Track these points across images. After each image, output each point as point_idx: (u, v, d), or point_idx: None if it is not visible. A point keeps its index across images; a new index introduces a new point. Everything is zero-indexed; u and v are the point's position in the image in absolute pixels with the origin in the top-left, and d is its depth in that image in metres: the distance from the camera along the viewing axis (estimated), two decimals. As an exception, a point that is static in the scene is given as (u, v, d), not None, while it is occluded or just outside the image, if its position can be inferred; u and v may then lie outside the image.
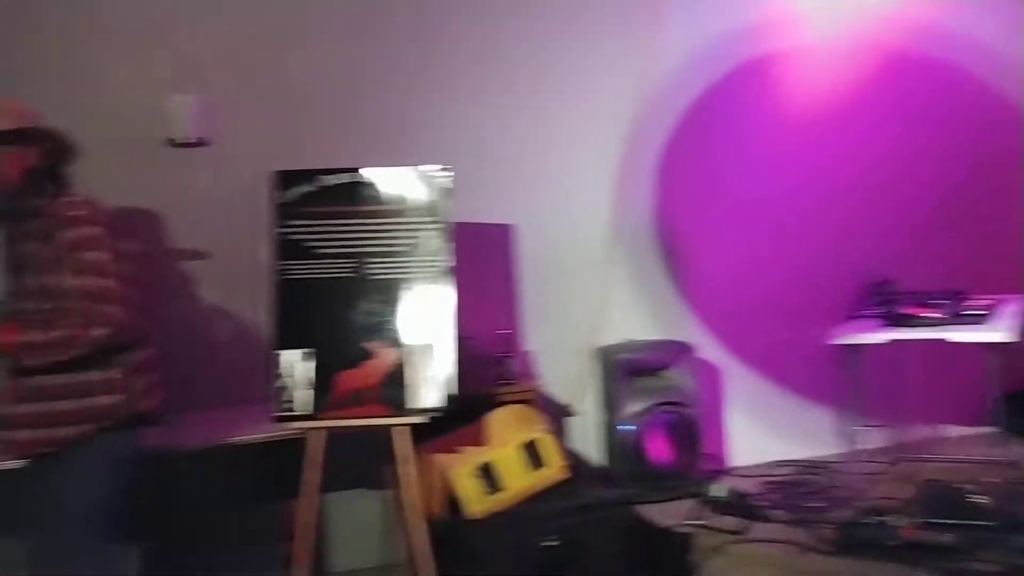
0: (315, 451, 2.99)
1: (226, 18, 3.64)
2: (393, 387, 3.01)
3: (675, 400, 3.86)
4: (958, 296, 3.75)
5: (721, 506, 3.59)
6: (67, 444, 2.42)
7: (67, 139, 2.59)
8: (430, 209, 3.11)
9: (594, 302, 4.07)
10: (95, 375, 2.46)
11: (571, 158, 4.03)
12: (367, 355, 3.03)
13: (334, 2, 3.76)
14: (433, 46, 3.84)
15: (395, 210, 3.12)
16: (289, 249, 3.08)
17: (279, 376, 3.00)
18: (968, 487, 3.40)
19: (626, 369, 3.88)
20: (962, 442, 4.30)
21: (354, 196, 3.11)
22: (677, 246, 4.20)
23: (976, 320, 3.56)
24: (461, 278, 3.07)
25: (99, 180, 2.70)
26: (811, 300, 4.19)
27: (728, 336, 4.27)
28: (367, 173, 3.12)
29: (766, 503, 3.66)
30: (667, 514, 3.52)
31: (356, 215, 3.10)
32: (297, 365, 3.01)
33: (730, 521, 3.47)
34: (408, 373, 3.01)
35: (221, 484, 3.51)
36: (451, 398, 3.00)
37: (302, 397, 2.99)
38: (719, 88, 4.22)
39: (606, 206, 4.08)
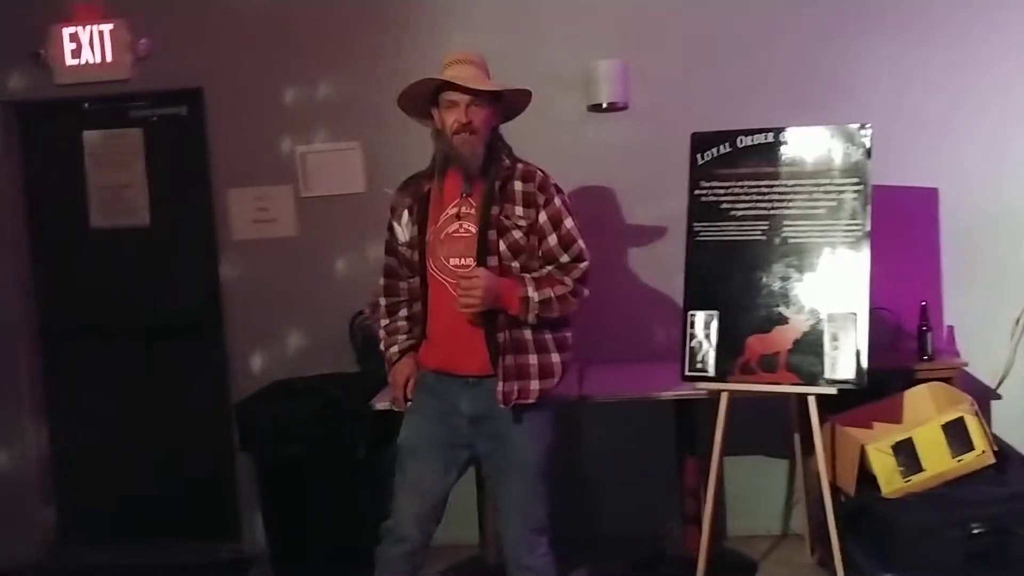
0: (725, 412, 3.01)
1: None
2: (804, 355, 2.92)
3: None
4: None
5: None
6: (537, 396, 2.55)
7: (522, 101, 2.70)
8: (850, 170, 2.98)
9: (1025, 274, 3.71)
10: (557, 333, 2.60)
11: (998, 115, 3.70)
12: (779, 320, 2.97)
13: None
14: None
15: (813, 171, 3.02)
16: (704, 210, 3.10)
17: (692, 336, 3.04)
18: None
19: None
20: None
21: (771, 157, 3.06)
22: None
23: None
24: (878, 244, 2.93)
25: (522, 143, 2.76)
26: None
27: None
28: (786, 133, 3.05)
29: None
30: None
31: (773, 176, 3.05)
32: (710, 325, 3.03)
33: None
34: (821, 342, 2.90)
35: (625, 436, 3.67)
36: (865, 371, 2.86)
37: (713, 358, 3.01)
38: None
39: (1039, 168, 3.69)
